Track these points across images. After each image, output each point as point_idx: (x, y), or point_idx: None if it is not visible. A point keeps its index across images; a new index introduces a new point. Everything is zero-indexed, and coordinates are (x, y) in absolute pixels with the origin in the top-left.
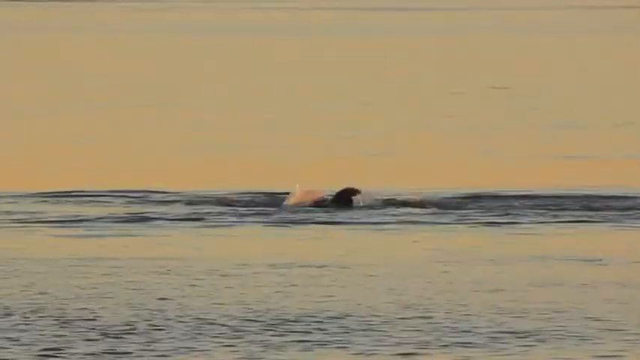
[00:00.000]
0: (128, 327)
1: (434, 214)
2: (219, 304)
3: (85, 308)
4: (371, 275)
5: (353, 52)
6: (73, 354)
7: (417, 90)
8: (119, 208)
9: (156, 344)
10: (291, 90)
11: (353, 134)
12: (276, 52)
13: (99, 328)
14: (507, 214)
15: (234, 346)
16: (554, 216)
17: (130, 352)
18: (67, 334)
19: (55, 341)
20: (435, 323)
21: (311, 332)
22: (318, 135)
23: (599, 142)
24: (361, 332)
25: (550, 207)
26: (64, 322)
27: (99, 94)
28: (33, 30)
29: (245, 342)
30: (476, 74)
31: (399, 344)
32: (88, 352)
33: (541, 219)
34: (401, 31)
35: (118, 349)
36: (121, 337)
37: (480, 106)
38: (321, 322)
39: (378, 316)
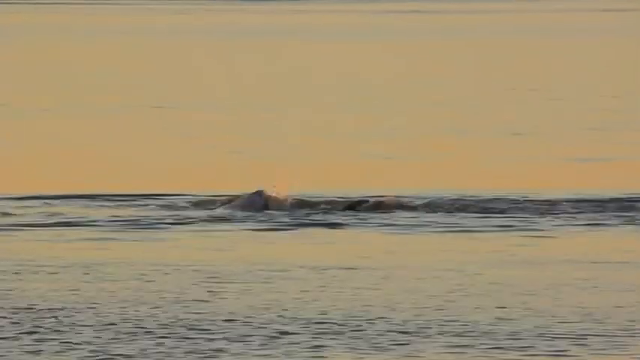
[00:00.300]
0: (165, 329)
1: (463, 216)
2: (254, 306)
3: (123, 310)
4: (403, 278)
5: (375, 55)
6: (115, 356)
7: (438, 92)
8: (131, 211)
9: (194, 346)
10: (302, 93)
11: (374, 137)
12: (290, 55)
13: (137, 329)
14: (540, 217)
15: (272, 348)
16: (591, 218)
17: (168, 355)
18: (106, 336)
19: (94, 343)
20: (474, 326)
21: (350, 334)
22: (326, 137)
23: (629, 145)
24: (399, 335)
25: (585, 209)
26: (102, 325)
27: (104, 96)
28: (36, 32)
29: (283, 344)
30: (499, 76)
31: (438, 347)
32: (126, 354)
33: (576, 222)
34: (421, 34)
35: (155, 351)
36: (158, 339)
37: (503, 108)
38: (360, 324)
39: (415, 318)
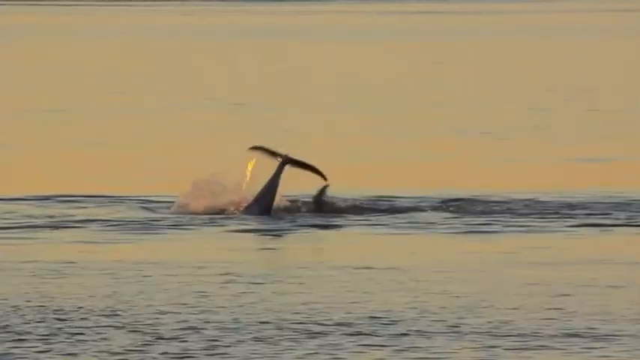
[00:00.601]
0: (193, 330)
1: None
2: (282, 307)
3: (149, 313)
4: (426, 278)
5: (376, 55)
6: (143, 358)
7: (438, 92)
8: (136, 213)
9: (222, 348)
10: (303, 93)
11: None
12: (291, 55)
13: (164, 331)
14: (561, 218)
15: (303, 348)
16: (606, 218)
17: (195, 357)
18: (133, 338)
19: (121, 346)
20: (501, 326)
21: (383, 334)
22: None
23: None
24: (428, 335)
25: (600, 209)
26: (128, 326)
27: (105, 96)
28: (37, 32)
29: (310, 345)
30: (501, 76)
31: (466, 347)
32: (155, 356)
33: (592, 221)
34: (422, 35)
35: (185, 353)
36: (186, 341)
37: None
38: (390, 324)
39: (443, 319)
